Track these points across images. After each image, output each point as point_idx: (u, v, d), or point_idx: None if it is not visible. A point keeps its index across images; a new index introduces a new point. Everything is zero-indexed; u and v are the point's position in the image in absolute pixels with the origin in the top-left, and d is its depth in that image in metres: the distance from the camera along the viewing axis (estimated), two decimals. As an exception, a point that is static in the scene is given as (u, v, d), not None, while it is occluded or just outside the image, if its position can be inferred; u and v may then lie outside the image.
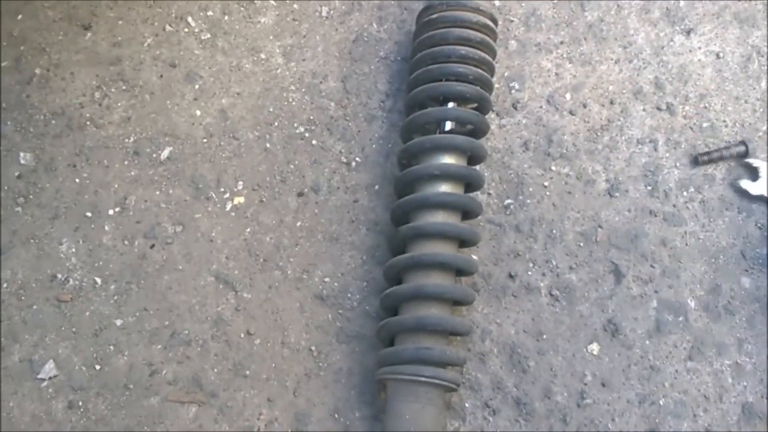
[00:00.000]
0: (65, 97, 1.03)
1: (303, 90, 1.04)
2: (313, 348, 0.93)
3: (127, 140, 1.01)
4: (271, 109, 1.03)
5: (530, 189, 0.98)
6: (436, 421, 0.84)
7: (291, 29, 1.07)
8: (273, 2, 1.09)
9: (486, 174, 0.99)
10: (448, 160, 0.92)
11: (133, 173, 1.00)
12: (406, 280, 0.90)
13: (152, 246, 0.97)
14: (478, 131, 0.95)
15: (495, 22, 0.99)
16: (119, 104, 1.03)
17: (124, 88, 1.04)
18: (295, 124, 1.02)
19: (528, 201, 0.98)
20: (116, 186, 0.99)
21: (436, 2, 0.98)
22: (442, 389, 0.85)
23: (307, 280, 0.95)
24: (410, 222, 0.91)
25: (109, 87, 1.04)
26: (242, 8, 1.08)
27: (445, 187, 0.90)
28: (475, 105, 0.96)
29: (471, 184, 0.94)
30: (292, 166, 1.00)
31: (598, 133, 1.01)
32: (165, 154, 1.01)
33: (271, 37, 1.07)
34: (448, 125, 0.94)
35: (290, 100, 1.04)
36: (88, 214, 0.98)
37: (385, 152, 1.01)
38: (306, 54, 1.06)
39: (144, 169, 1.00)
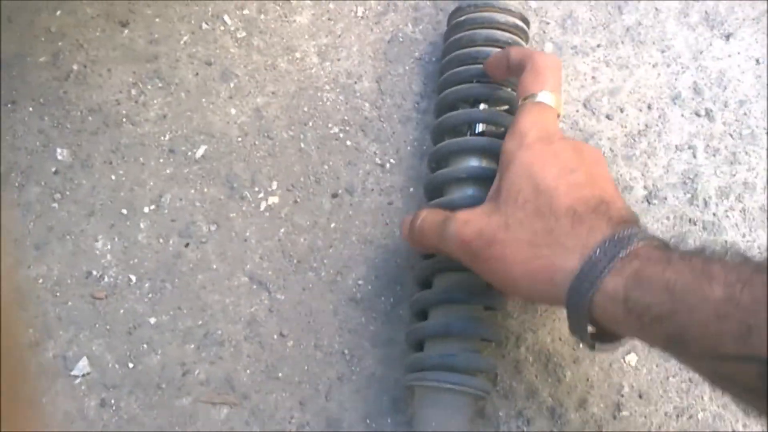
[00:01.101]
0: (102, 94, 0.97)
1: (337, 90, 0.98)
2: (346, 351, 0.86)
3: (162, 138, 0.95)
4: (305, 109, 0.97)
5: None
6: (462, 428, 0.77)
7: (326, 29, 1.01)
8: (309, 1, 1.02)
9: (522, 178, 0.92)
10: (477, 162, 0.84)
11: (168, 171, 0.94)
12: (435, 284, 0.83)
13: (187, 245, 0.91)
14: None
15: (526, 21, 0.91)
16: (155, 102, 0.97)
17: (160, 85, 0.98)
18: (330, 125, 0.96)
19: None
20: (151, 184, 0.93)
21: (465, 3, 0.91)
22: (470, 397, 0.77)
23: (341, 282, 0.89)
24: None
25: (146, 84, 0.98)
26: (278, 7, 1.02)
27: (473, 190, 0.82)
28: (507, 107, 0.88)
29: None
30: (326, 167, 0.94)
31: (636, 139, 0.94)
32: (200, 152, 0.95)
33: (306, 37, 1.00)
34: (480, 127, 0.86)
35: (325, 100, 0.97)
36: (124, 211, 0.92)
37: (420, 154, 0.94)
38: (341, 54, 0.99)
39: (179, 167, 0.94)
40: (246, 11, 1.01)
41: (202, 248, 0.90)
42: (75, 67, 0.98)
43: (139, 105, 0.96)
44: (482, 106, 0.87)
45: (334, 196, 0.92)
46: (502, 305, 0.83)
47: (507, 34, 0.88)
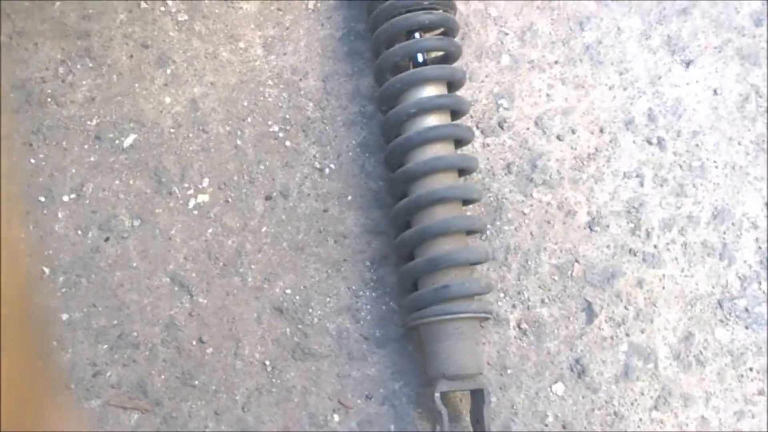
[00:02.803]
0: (27, 70, 0.99)
1: (281, 86, 1.01)
2: (267, 362, 0.91)
3: (89, 123, 0.98)
4: (245, 104, 1.00)
5: (509, 215, 0.97)
6: (473, 352, 0.86)
7: (274, 19, 1.04)
8: (258, -12, 1.05)
9: (464, 195, 0.98)
10: (426, 93, 0.92)
11: (92, 159, 0.96)
12: (413, 223, 0.90)
13: (107, 239, 0.94)
14: (450, 56, 0.96)
15: None
16: (84, 83, 0.99)
17: (90, 65, 1.00)
18: (270, 122, 1.00)
19: (505, 228, 0.96)
20: (73, 171, 0.96)
21: None
22: (472, 321, 0.87)
23: (268, 289, 0.93)
24: (404, 164, 0.91)
25: (75, 63, 1.00)
26: (225, -9, 1.05)
27: (428, 121, 0.91)
28: (442, 30, 0.96)
29: (455, 111, 0.94)
30: (262, 167, 0.98)
31: (585, 162, 1.00)
32: (128, 141, 0.97)
33: (252, 26, 1.04)
34: (420, 57, 0.94)
35: (266, 95, 1.01)
36: (42, 198, 0.95)
37: (362, 162, 0.99)
38: (288, 48, 1.03)
39: (105, 155, 0.97)
40: (190, -7, 1.04)
41: (123, 244, 0.93)
42: (-1, 38, 1.00)
43: (66, 85, 0.99)
44: (417, 35, 0.94)
45: (268, 198, 0.96)
46: (482, 227, 0.93)
47: None
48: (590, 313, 0.93)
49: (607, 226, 0.97)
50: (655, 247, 0.96)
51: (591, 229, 0.97)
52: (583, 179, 0.99)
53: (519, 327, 0.93)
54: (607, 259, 0.96)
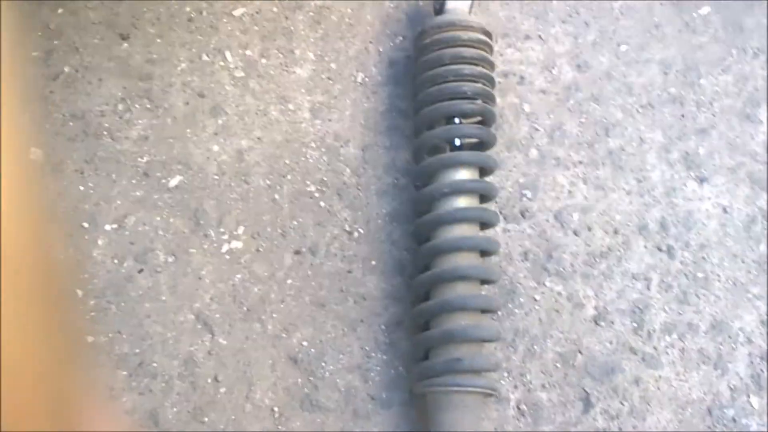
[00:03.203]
0: (88, 102, 1.07)
1: (323, 150, 1.09)
2: (275, 409, 0.96)
3: (139, 159, 1.05)
4: (287, 161, 1.07)
5: (521, 299, 1.03)
6: (475, 426, 0.91)
7: (323, 87, 1.12)
8: (312, 56, 1.14)
9: (481, 274, 1.04)
10: (460, 176, 0.99)
11: (138, 193, 1.03)
12: (432, 295, 0.96)
13: (140, 270, 1.00)
14: (485, 144, 1.03)
15: (488, 35, 1.06)
16: (140, 121, 1.06)
17: (148, 106, 1.07)
18: (308, 182, 1.07)
19: (516, 311, 1.03)
20: (118, 202, 1.02)
21: (429, 25, 1.06)
22: (478, 396, 0.92)
23: (285, 339, 0.99)
24: (430, 239, 0.98)
25: (134, 102, 1.07)
26: (281, 55, 1.13)
27: (459, 202, 0.98)
28: (479, 118, 1.04)
29: (484, 195, 1.01)
30: (295, 223, 1.04)
31: (597, 259, 1.07)
32: (174, 182, 1.04)
33: (303, 91, 1.12)
34: (457, 141, 1.02)
35: (308, 156, 1.08)
36: (85, 224, 1.01)
37: (389, 230, 1.05)
38: (333, 115, 1.11)
39: (150, 192, 1.03)
40: (249, 52, 1.12)
41: (155, 277, 0.99)
42: (66, 69, 1.08)
43: (122, 121, 1.06)
44: (457, 120, 1.02)
45: (297, 252, 1.03)
46: (498, 308, 0.99)
47: (472, 50, 1.04)
48: (587, 404, 0.99)
49: (612, 323, 1.03)
50: (654, 348, 1.03)
51: (596, 323, 1.03)
52: (593, 275, 1.06)
53: (518, 408, 0.98)
54: (609, 353, 1.02)
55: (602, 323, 1.03)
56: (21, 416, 0.36)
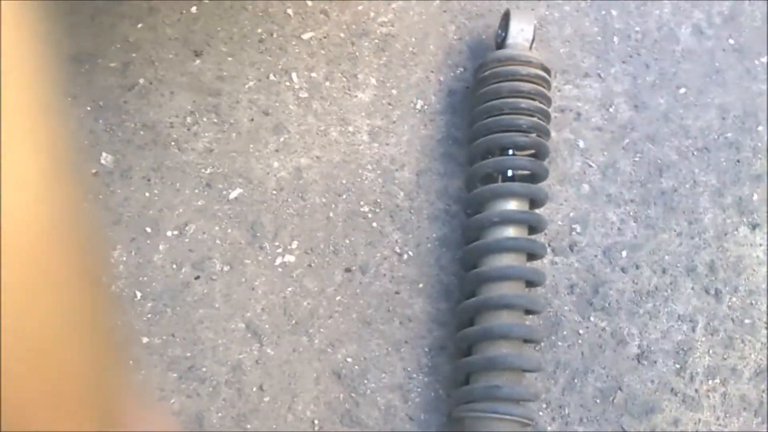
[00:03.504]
0: (159, 113, 1.11)
1: (378, 172, 1.12)
2: (316, 422, 0.98)
3: (203, 171, 1.09)
4: (343, 181, 1.11)
5: (564, 332, 1.04)
6: None
7: (383, 112, 1.15)
8: (374, 81, 1.17)
9: (526, 305, 1.06)
10: (510, 206, 1.01)
11: (199, 203, 1.07)
12: (477, 321, 0.98)
13: (197, 277, 1.03)
14: (537, 176, 1.05)
15: (547, 71, 1.08)
16: (206, 135, 1.11)
17: (215, 120, 1.12)
18: (362, 203, 1.10)
19: (559, 343, 1.04)
20: (181, 210, 1.07)
21: (489, 58, 1.08)
22: (515, 424, 0.92)
23: (330, 354, 1.01)
24: (478, 266, 1.00)
25: (202, 116, 1.12)
26: (344, 78, 1.17)
27: (508, 232, 1.00)
28: (532, 151, 1.05)
29: (533, 227, 1.02)
30: (347, 241, 1.07)
31: (643, 298, 1.07)
32: (234, 194, 1.08)
33: (363, 114, 1.15)
34: (510, 173, 1.04)
35: (364, 178, 1.11)
36: (148, 229, 1.05)
37: (438, 255, 1.08)
38: (390, 139, 1.14)
39: (211, 202, 1.07)
40: (314, 74, 1.16)
41: (211, 285, 1.03)
42: (141, 81, 1.13)
43: (190, 133, 1.11)
44: (510, 152, 1.04)
45: (347, 270, 1.05)
46: (541, 338, 1.00)
47: (530, 85, 1.06)
48: (624, 441, 0.99)
49: (655, 362, 1.03)
50: (696, 391, 1.02)
51: (639, 362, 1.03)
52: (639, 313, 1.06)
53: (555, 439, 0.99)
54: (650, 393, 1.02)
55: (645, 362, 1.03)
56: (72, 414, 0.36)
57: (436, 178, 1.12)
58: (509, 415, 0.92)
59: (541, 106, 1.07)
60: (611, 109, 1.18)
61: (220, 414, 0.97)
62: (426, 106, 1.16)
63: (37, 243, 0.31)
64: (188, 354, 0.99)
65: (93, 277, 0.37)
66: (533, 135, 1.05)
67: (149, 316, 1.01)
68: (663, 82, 1.20)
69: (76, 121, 1.10)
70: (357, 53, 1.17)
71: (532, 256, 1.02)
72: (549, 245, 1.08)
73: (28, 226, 0.30)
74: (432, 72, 1.18)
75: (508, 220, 1.00)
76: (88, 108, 1.11)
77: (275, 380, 0.99)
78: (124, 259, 1.03)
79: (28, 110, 0.31)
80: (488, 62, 1.08)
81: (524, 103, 1.05)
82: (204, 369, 0.99)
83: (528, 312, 1.00)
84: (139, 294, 1.02)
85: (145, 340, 0.99)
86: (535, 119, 1.05)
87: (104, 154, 1.08)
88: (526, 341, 0.98)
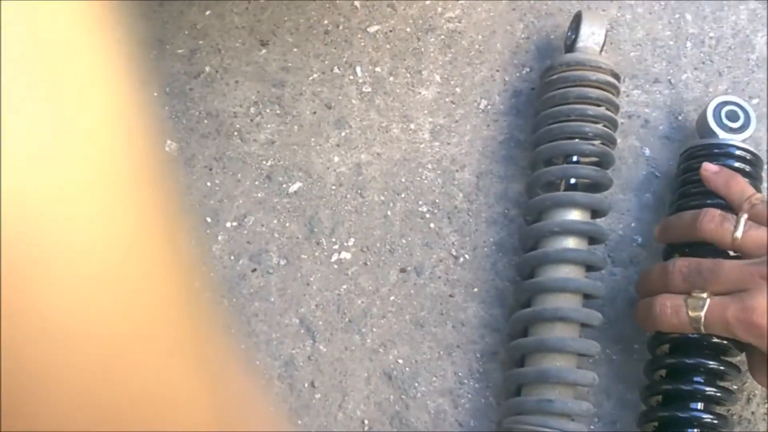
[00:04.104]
0: (223, 102, 1.11)
1: (438, 172, 1.10)
2: (366, 422, 0.98)
3: (264, 162, 1.08)
4: (402, 180, 1.09)
5: (619, 346, 1.02)
6: None
7: (446, 110, 1.13)
8: (438, 78, 1.15)
9: (582, 316, 1.03)
10: (571, 216, 0.98)
11: (259, 195, 1.07)
12: (531, 332, 0.96)
13: (254, 270, 1.03)
14: (600, 185, 1.02)
15: (617, 77, 1.04)
16: (269, 126, 1.10)
17: (278, 112, 1.11)
18: (420, 202, 1.08)
19: (614, 357, 1.01)
20: (240, 202, 1.06)
21: (557, 62, 1.04)
22: None
23: (382, 354, 1.01)
24: (534, 276, 0.97)
25: (265, 107, 1.11)
26: (408, 74, 1.15)
27: (567, 242, 0.97)
28: (596, 159, 1.02)
29: (594, 238, 0.99)
30: (404, 241, 1.06)
31: (702, 315, 1.04)
32: (294, 187, 1.07)
33: (426, 112, 1.13)
34: (573, 181, 1.01)
35: (423, 177, 1.09)
36: (208, 219, 1.05)
37: (494, 259, 1.06)
38: (452, 138, 1.12)
39: (270, 195, 1.07)
40: (378, 69, 1.14)
41: (267, 278, 1.03)
42: (207, 68, 1.12)
43: (253, 124, 1.10)
44: (575, 159, 1.01)
45: (402, 270, 1.04)
46: (594, 351, 0.96)
47: (598, 91, 1.02)
48: (675, 461, 0.97)
49: (711, 383, 1.01)
50: (752, 413, 1.00)
51: (694, 381, 1.01)
52: (697, 331, 1.03)
53: (604, 454, 0.97)
54: (704, 414, 0.99)
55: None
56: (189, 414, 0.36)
57: (497, 181, 1.10)
58: (559, 430, 0.90)
59: (609, 113, 1.04)
60: (680, 117, 1.14)
61: (271, 408, 0.97)
62: (489, 106, 1.14)
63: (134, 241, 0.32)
64: (242, 346, 1.00)
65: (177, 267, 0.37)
66: (598, 143, 1.02)
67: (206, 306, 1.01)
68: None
69: (147, 107, 1.10)
70: (422, 49, 1.15)
71: (590, 268, 1.00)
72: (609, 256, 1.06)
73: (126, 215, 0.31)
74: (497, 71, 1.15)
75: (569, 230, 0.98)
76: (155, 94, 1.11)
77: (326, 377, 0.99)
78: (186, 248, 1.03)
79: (109, 102, 0.31)
80: (556, 65, 1.05)
81: (591, 110, 1.02)
82: (257, 362, 0.99)
83: (584, 326, 0.98)
84: (196, 284, 1.02)
85: (200, 329, 1.00)
86: (601, 127, 1.02)
87: (168, 141, 1.08)
88: (580, 355, 0.96)
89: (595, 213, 1.02)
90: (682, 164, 1.05)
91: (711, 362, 0.92)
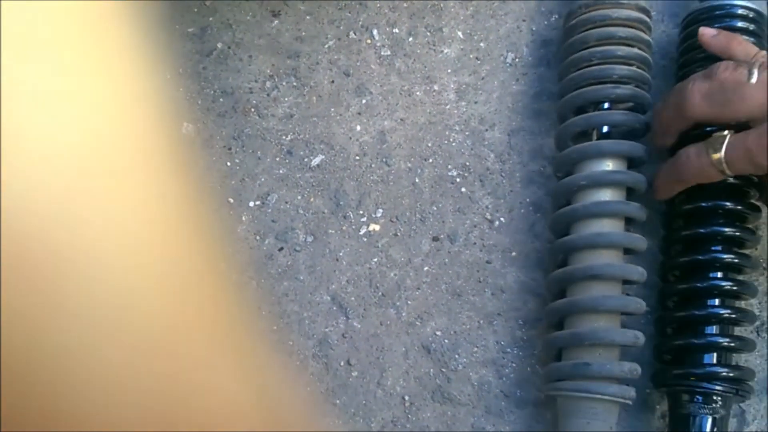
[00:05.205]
0: (238, 78, 1.06)
1: (467, 133, 1.03)
2: (406, 397, 0.93)
3: (284, 137, 1.03)
4: (429, 144, 1.03)
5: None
6: None
7: (471, 67, 1.06)
8: (461, 35, 1.08)
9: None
10: (603, 167, 0.90)
11: (281, 171, 1.02)
12: (568, 293, 0.89)
13: (281, 249, 0.99)
14: (636, 131, 0.93)
15: (646, 12, 0.95)
16: (286, 99, 1.05)
17: (294, 84, 1.06)
18: (449, 166, 1.02)
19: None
20: (262, 180, 1.02)
21: (577, 4, 0.96)
22: (609, 404, 0.84)
23: (419, 327, 0.95)
24: (570, 233, 0.90)
25: (281, 80, 1.06)
26: (428, 33, 1.08)
27: (600, 195, 0.89)
28: (631, 104, 0.93)
29: (631, 188, 0.91)
30: (434, 208, 1.00)
31: (761, 264, 0.96)
32: (316, 161, 1.02)
33: (449, 71, 1.06)
34: (605, 128, 0.93)
35: (451, 140, 1.03)
36: (231, 200, 1.01)
37: (532, 221, 0.99)
38: (479, 97, 1.05)
39: (293, 170, 1.02)
40: (396, 30, 1.08)
41: (295, 256, 0.98)
42: (219, 45, 1.07)
43: (270, 99, 1.05)
44: (606, 106, 0.93)
45: (435, 239, 0.98)
46: (639, 311, 0.88)
47: (623, 29, 0.93)
48: (741, 420, 0.90)
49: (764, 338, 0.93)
50: (823, 367, 0.91)
51: (758, 334, 0.93)
52: (756, 281, 0.95)
53: (663, 418, 0.90)
54: (763, 369, 0.92)
55: (764, 334, 0.93)
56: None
57: (530, 138, 1.02)
58: (600, 394, 0.83)
59: (639, 52, 0.95)
60: (724, 54, 1.04)
61: (308, 389, 0.93)
62: (517, 60, 1.06)
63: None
64: (274, 327, 0.95)
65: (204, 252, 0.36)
66: (630, 86, 0.93)
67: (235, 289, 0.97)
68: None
69: (161, 90, 1.06)
70: (441, 5, 1.08)
71: (630, 221, 0.92)
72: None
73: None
74: (524, 21, 1.07)
75: (599, 182, 0.90)
76: (168, 76, 1.06)
77: (363, 354, 0.94)
78: (209, 231, 0.99)
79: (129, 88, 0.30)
80: (575, 9, 0.97)
81: (617, 50, 0.93)
82: (291, 343, 0.95)
83: (626, 282, 0.90)
84: (222, 266, 0.98)
85: (230, 313, 0.96)
86: (632, 68, 0.94)
87: (185, 123, 1.04)
88: (623, 313, 0.89)
89: (632, 162, 0.94)
90: (683, 31, 0.97)
91: (727, 229, 0.88)
